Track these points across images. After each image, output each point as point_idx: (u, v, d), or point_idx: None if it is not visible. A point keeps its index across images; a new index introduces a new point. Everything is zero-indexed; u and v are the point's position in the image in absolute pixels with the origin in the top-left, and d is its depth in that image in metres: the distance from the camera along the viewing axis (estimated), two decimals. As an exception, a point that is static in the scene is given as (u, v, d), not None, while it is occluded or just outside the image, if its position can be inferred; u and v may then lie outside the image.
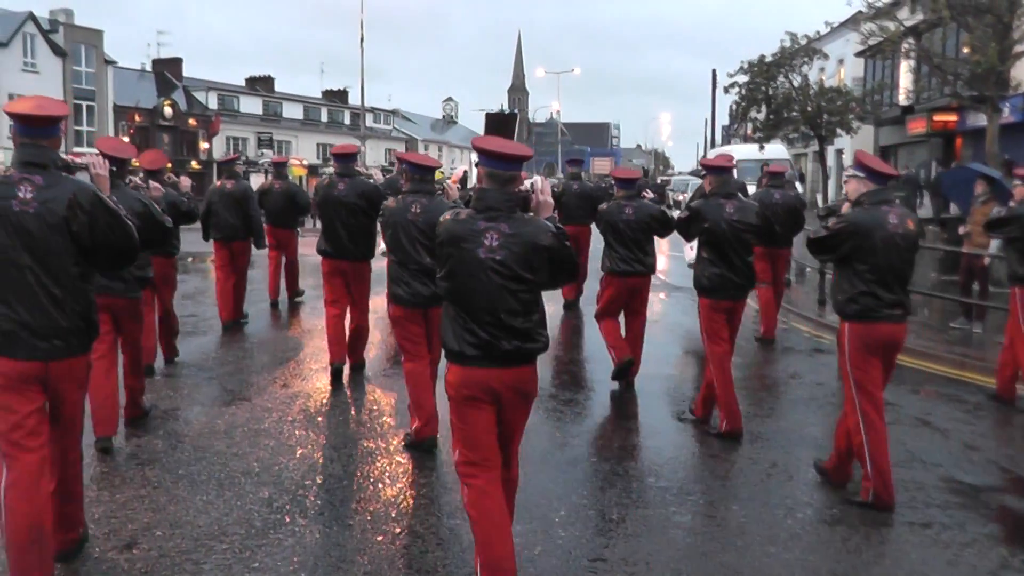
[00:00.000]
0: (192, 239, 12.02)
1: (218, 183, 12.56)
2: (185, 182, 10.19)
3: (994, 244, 11.41)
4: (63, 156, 4.83)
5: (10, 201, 4.47)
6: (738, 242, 7.53)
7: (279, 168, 14.44)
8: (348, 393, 8.89)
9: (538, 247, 4.60)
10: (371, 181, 9.76)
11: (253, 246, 12.45)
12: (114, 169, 6.08)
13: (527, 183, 5.10)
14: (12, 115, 4.75)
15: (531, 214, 4.78)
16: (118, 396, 7.08)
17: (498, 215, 4.62)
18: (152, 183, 8.22)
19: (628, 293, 9.03)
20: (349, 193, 8.90)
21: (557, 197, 14.23)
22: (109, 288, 6.60)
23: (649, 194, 9.37)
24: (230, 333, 11.73)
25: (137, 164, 7.92)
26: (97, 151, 6.11)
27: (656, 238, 9.09)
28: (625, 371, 9.00)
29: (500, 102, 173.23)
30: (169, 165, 11.42)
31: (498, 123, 26.95)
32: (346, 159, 9.32)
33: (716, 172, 7.95)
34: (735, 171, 8.27)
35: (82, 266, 4.67)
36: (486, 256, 4.57)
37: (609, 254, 8.95)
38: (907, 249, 6.12)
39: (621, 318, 9.29)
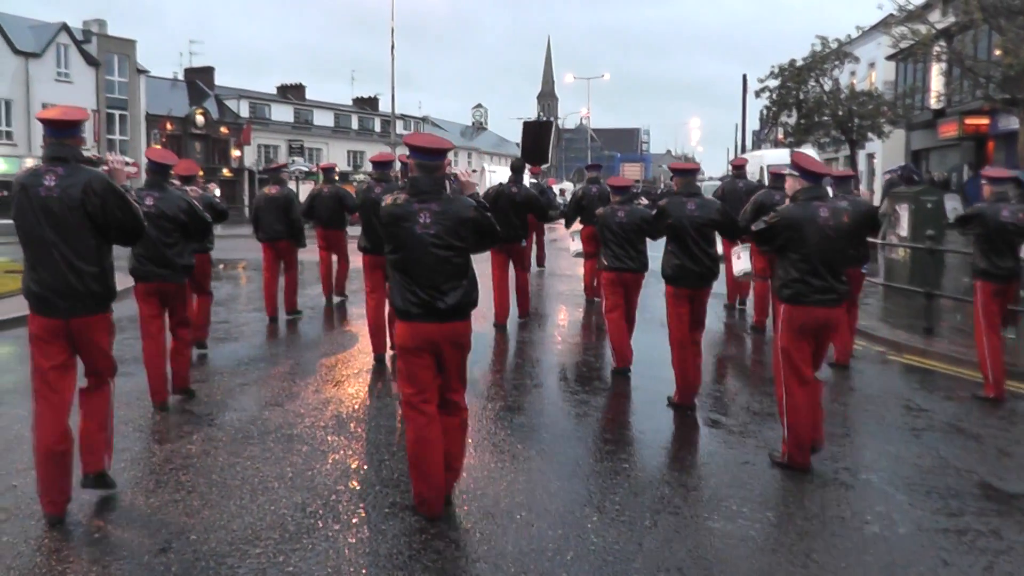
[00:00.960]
0: (227, 246, 12.17)
1: (265, 189, 13.69)
2: (213, 188, 11.04)
3: None
4: (84, 153, 5.81)
5: (37, 188, 5.51)
6: (699, 236, 8.36)
7: (327, 173, 15.27)
8: (380, 398, 8.93)
9: (464, 219, 5.77)
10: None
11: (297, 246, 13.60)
12: (160, 173, 8.26)
13: (454, 169, 6.76)
14: (42, 120, 5.71)
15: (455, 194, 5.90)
16: (166, 368, 8.40)
17: (428, 197, 5.73)
18: (189, 186, 9.45)
19: (622, 285, 9.87)
20: (384, 195, 9.21)
21: (578, 200, 14.23)
22: (160, 275, 8.18)
23: (644, 200, 10.45)
24: (263, 338, 11.93)
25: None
26: (146, 158, 8.46)
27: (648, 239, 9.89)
28: (625, 372, 9.87)
29: (529, 108, 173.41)
30: (201, 173, 12.44)
31: (535, 130, 29.00)
32: (382, 166, 10.73)
33: (681, 174, 8.90)
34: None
35: (98, 240, 5.69)
36: (422, 232, 5.67)
37: (605, 252, 9.93)
38: (838, 240, 6.80)
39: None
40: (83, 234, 5.58)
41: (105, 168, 5.92)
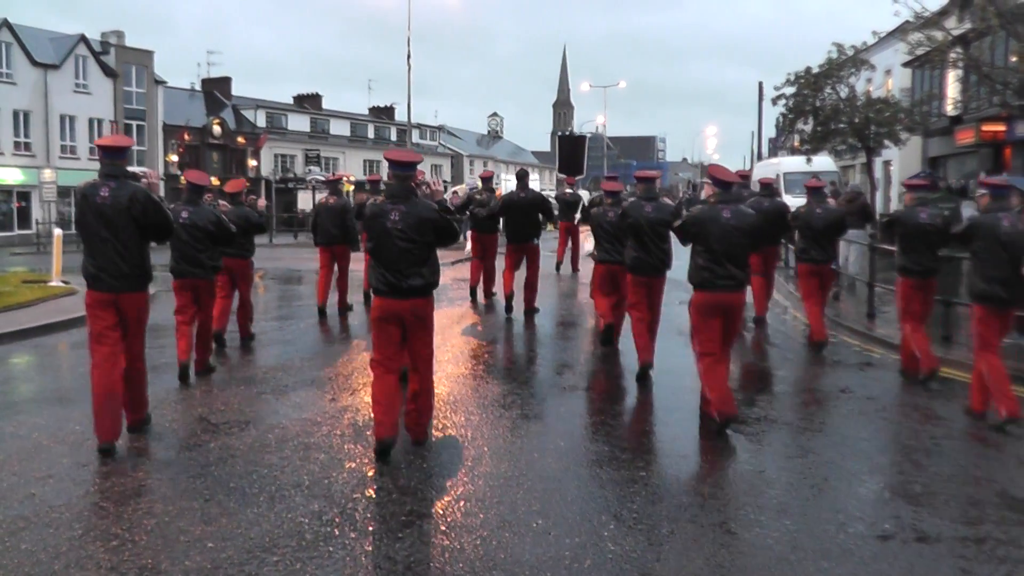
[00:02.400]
0: (282, 253, 12.26)
1: (321, 199, 15.57)
2: (261, 203, 13.76)
3: None
4: (129, 170, 7.64)
5: (95, 197, 7.34)
6: (654, 234, 9.94)
7: (333, 185, 16.06)
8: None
9: (425, 219, 7.24)
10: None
11: (351, 249, 14.81)
12: (196, 192, 10.40)
13: (427, 179, 8.89)
14: (100, 146, 7.67)
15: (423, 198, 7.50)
16: (191, 334, 10.11)
17: (399, 200, 7.26)
18: (221, 202, 11.73)
19: (610, 276, 11.51)
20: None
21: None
22: (193, 273, 10.12)
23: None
24: (280, 347, 12.02)
25: (215, 184, 10.74)
26: (185, 179, 10.80)
27: None
28: (609, 335, 11.52)
29: (546, 116, 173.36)
30: (248, 186, 14.27)
31: (571, 143, 31.75)
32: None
33: (642, 181, 10.60)
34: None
35: (139, 237, 7.50)
36: (391, 226, 7.18)
37: (596, 247, 11.92)
38: (740, 236, 8.13)
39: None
40: (128, 231, 7.40)
41: (144, 182, 7.72)
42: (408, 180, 7.41)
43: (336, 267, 15.04)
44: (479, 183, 16.63)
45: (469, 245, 17.33)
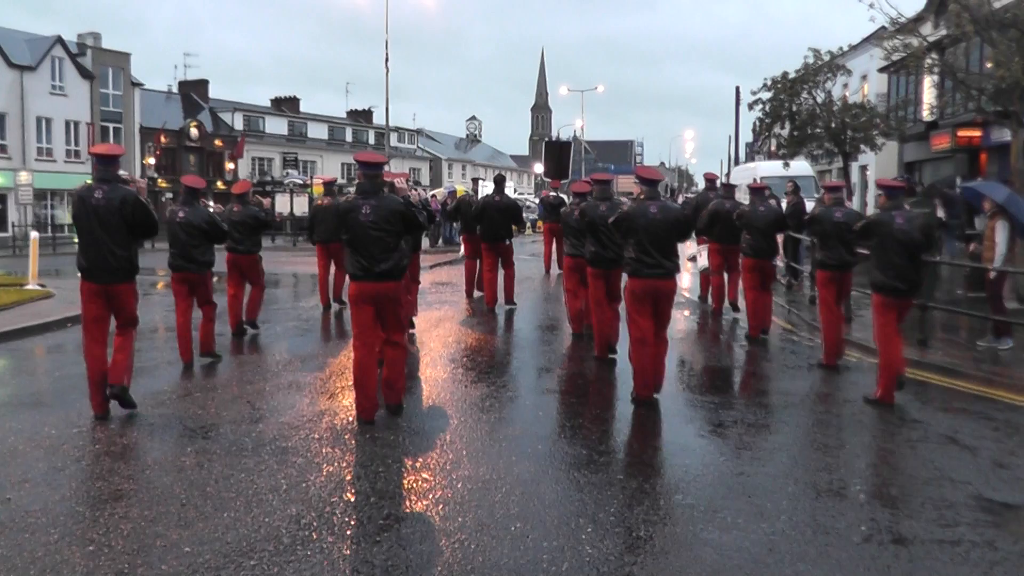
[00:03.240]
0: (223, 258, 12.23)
1: (318, 201, 16.73)
2: (267, 202, 15.39)
3: (999, 257, 11.49)
4: (121, 175, 8.64)
5: (91, 198, 8.32)
6: (608, 230, 10.49)
7: (328, 187, 17.57)
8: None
9: (394, 211, 8.36)
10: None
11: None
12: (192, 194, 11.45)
13: (394, 179, 10.91)
14: (94, 153, 8.80)
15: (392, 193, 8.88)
16: (191, 335, 11.28)
17: (369, 196, 8.35)
18: (214, 204, 13.84)
19: (577, 267, 12.34)
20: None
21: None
22: (187, 267, 11.22)
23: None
24: (257, 351, 12.00)
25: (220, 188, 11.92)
26: (182, 182, 11.72)
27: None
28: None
29: (524, 120, 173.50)
30: (252, 188, 15.80)
31: (557, 148, 34.31)
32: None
33: (597, 184, 11.92)
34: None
35: (129, 234, 8.48)
36: (364, 219, 8.23)
37: (565, 242, 12.95)
38: (665, 229, 9.16)
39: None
40: (119, 230, 8.38)
41: (133, 187, 8.66)
42: (377, 178, 8.61)
43: (333, 263, 16.05)
44: (457, 188, 18.31)
45: (463, 248, 18.85)
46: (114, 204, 8.27)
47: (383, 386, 8.76)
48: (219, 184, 61.54)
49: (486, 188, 39.38)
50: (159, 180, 58.07)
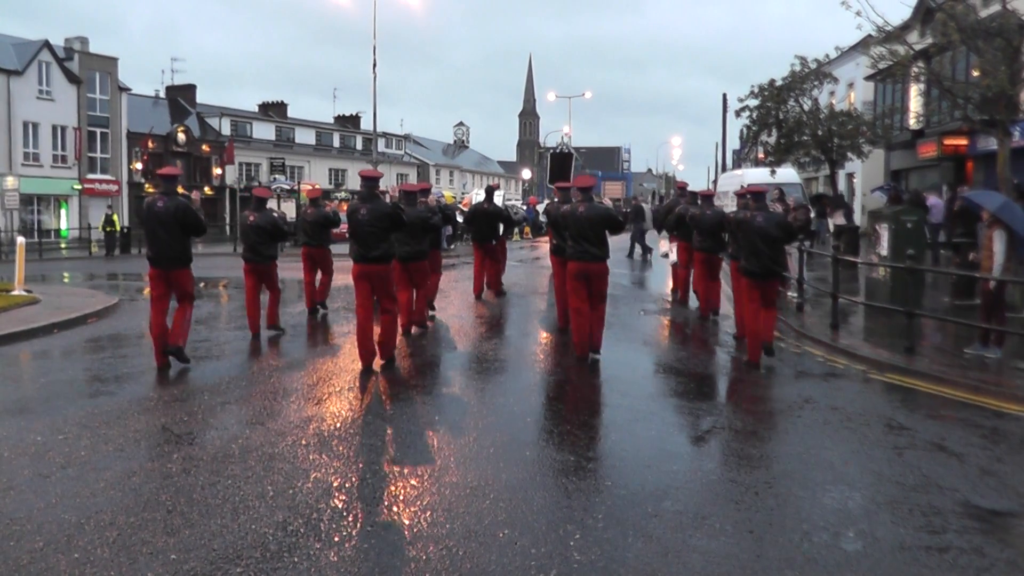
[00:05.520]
0: (207, 264, 12.36)
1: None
2: (331, 205, 19.38)
3: (997, 267, 11.52)
4: (180, 191, 11.48)
5: (154, 206, 11.11)
6: (570, 227, 11.92)
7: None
8: (361, 416, 8.91)
9: (384, 214, 11.08)
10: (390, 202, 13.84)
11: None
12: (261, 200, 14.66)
13: (386, 190, 20.99)
14: (160, 174, 11.58)
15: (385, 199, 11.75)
16: (258, 314, 14.02)
17: (366, 201, 11.21)
18: (281, 210, 18.04)
19: (559, 262, 14.20)
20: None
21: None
22: (255, 259, 14.08)
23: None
24: (244, 356, 12.02)
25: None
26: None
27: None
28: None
29: (511, 125, 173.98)
30: (273, 196, 16.80)
31: (559, 159, 36.89)
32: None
33: (560, 190, 15.14)
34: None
35: (182, 234, 11.22)
36: (361, 218, 11.01)
37: (550, 239, 15.49)
38: (591, 225, 11.56)
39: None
40: (175, 230, 11.15)
41: (190, 200, 11.54)
42: (373, 187, 11.47)
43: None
44: (446, 195, 20.56)
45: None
46: (171, 211, 11.03)
47: (378, 345, 11.39)
48: (207, 190, 61.42)
49: (499, 196, 41.79)
50: (146, 186, 57.92)
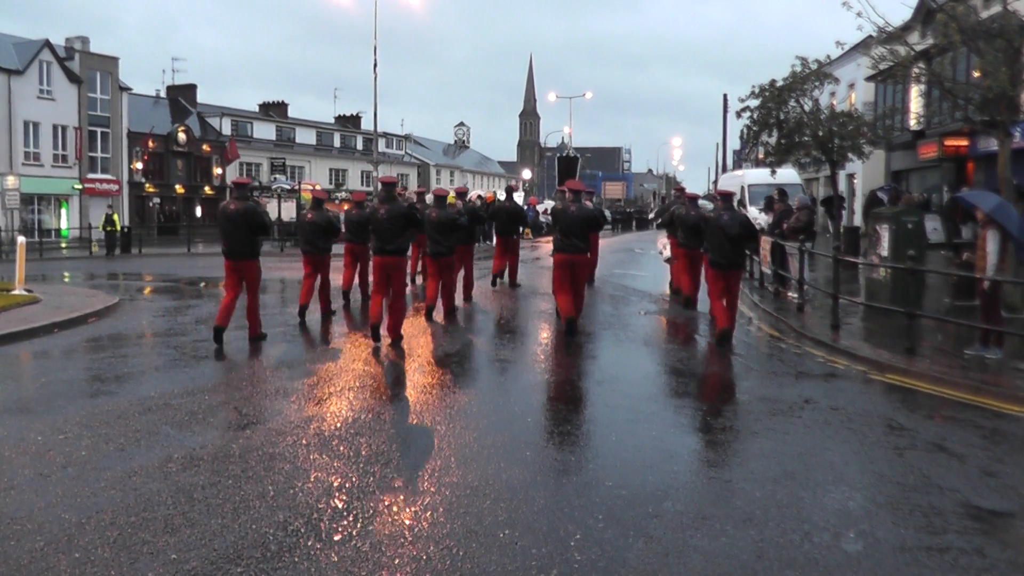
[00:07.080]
0: (209, 264, 12.55)
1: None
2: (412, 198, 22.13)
3: (990, 267, 11.53)
4: (252, 195, 14.44)
5: (227, 208, 13.35)
6: (560, 223, 14.16)
7: (318, 203, 17.58)
8: (362, 416, 8.90)
9: (399, 214, 13.09)
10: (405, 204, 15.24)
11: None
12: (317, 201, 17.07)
13: (403, 192, 21.88)
14: (233, 182, 14.21)
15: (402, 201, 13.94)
16: (311, 293, 15.91)
17: (384, 202, 13.15)
18: (332, 209, 22.45)
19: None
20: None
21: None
22: (311, 251, 16.18)
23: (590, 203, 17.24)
24: (243, 356, 12.01)
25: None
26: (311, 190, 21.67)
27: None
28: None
29: (512, 125, 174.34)
30: (326, 195, 18.32)
31: (566, 162, 40.32)
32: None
33: (559, 192, 17.17)
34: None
35: (251, 231, 13.21)
36: (381, 217, 13.08)
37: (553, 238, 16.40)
38: (578, 223, 13.96)
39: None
40: (243, 228, 13.11)
41: (259, 203, 13.60)
42: (391, 190, 13.47)
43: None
44: (486, 195, 24.38)
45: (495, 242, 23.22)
46: (241, 212, 13.07)
47: (388, 328, 13.30)
48: (207, 189, 61.41)
49: (518, 196, 44.42)
50: (147, 185, 57.90)
